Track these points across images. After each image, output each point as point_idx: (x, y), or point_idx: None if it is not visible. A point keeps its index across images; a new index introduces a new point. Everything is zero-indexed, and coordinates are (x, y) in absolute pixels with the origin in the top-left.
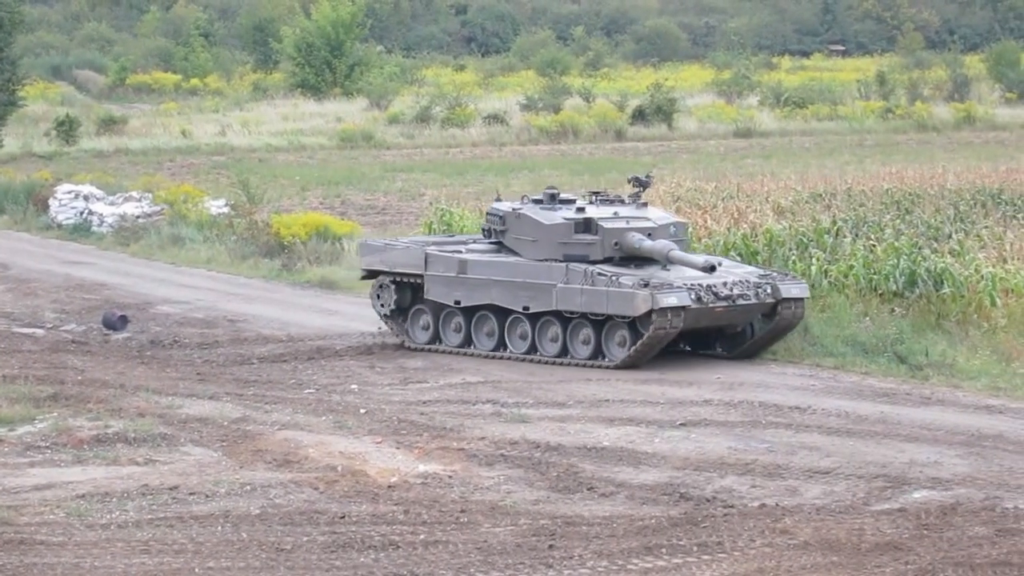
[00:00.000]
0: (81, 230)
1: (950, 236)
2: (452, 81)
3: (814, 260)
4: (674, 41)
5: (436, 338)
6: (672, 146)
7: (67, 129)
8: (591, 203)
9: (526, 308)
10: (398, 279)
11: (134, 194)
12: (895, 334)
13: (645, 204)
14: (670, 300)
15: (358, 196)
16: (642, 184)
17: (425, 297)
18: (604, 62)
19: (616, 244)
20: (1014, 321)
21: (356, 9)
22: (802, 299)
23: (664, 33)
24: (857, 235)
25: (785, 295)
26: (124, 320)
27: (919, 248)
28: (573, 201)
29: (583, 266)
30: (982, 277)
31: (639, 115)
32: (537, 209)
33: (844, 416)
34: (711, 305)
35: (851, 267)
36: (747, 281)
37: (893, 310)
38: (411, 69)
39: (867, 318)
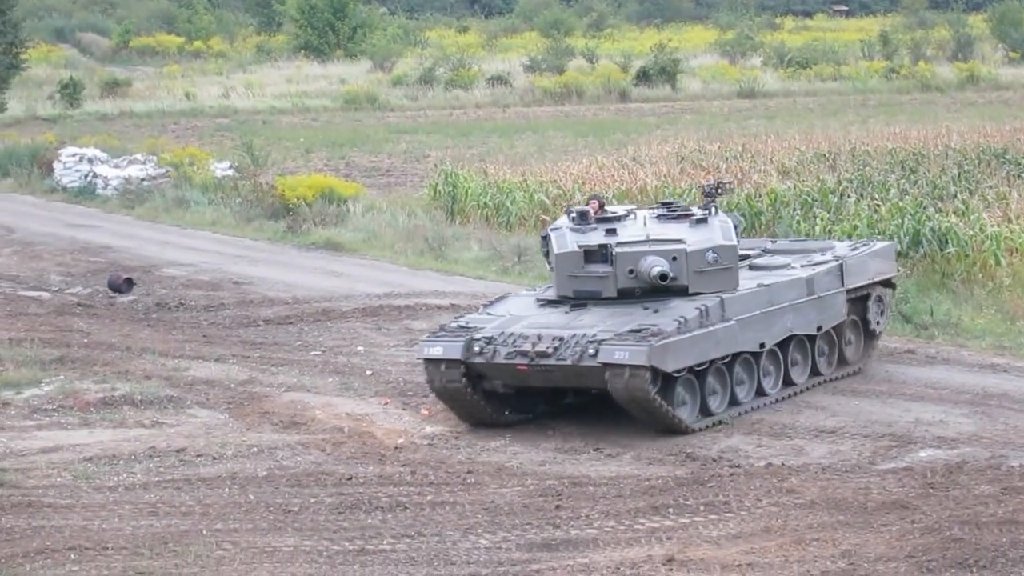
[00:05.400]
0: (86, 193)
1: (955, 196)
2: (455, 43)
3: (818, 220)
4: (677, 2)
5: None
6: (676, 107)
7: (71, 92)
8: (655, 218)
9: None
10: None
11: (138, 157)
12: (900, 293)
13: (704, 220)
14: (433, 351)
15: (362, 158)
16: (709, 194)
17: None
18: (608, 23)
19: (632, 273)
20: (1019, 280)
21: None
22: (639, 367)
23: None
24: (862, 195)
25: (604, 359)
26: (130, 283)
27: (924, 208)
28: (616, 218)
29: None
30: (987, 236)
31: (643, 76)
32: (565, 232)
33: (849, 375)
34: (509, 362)
35: (855, 227)
36: (571, 337)
37: (898, 270)
38: (414, 31)
39: None
